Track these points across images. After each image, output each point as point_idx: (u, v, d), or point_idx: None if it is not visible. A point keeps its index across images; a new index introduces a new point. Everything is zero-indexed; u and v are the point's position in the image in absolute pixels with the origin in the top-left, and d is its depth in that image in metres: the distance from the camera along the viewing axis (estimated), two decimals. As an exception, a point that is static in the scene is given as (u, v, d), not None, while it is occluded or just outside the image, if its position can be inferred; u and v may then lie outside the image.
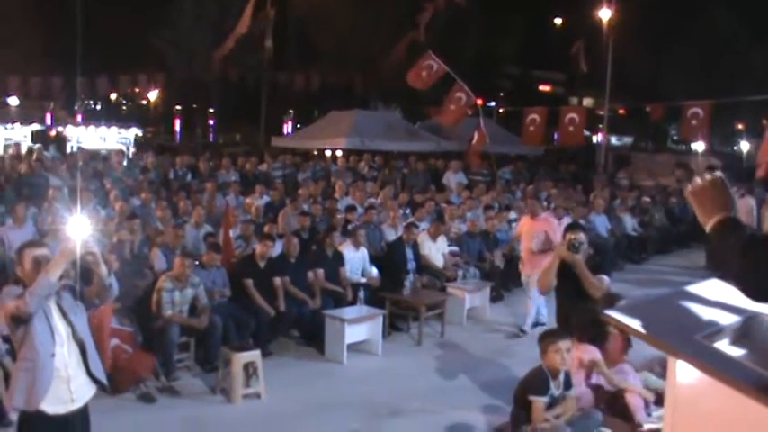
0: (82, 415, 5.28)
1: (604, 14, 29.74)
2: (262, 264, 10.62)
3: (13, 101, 34.51)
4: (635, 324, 2.40)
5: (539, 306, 11.73)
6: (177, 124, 52.21)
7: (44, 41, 34.84)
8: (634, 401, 6.87)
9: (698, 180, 2.55)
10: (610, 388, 7.04)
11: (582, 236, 7.53)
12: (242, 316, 10.07)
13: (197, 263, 10.04)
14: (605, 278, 7.48)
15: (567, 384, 6.60)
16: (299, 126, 45.97)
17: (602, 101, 33.33)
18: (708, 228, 2.50)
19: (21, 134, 31.59)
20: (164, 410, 8.34)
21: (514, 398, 6.70)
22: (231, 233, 12.05)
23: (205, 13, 39.25)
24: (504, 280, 14.32)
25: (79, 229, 4.85)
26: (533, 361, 6.78)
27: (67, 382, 5.10)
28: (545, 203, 17.25)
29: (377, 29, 36.72)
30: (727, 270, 2.49)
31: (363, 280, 11.73)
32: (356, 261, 11.86)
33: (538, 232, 11.62)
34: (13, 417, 6.50)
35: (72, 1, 23.33)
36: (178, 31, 39.37)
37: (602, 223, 16.98)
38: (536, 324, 11.52)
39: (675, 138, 53.65)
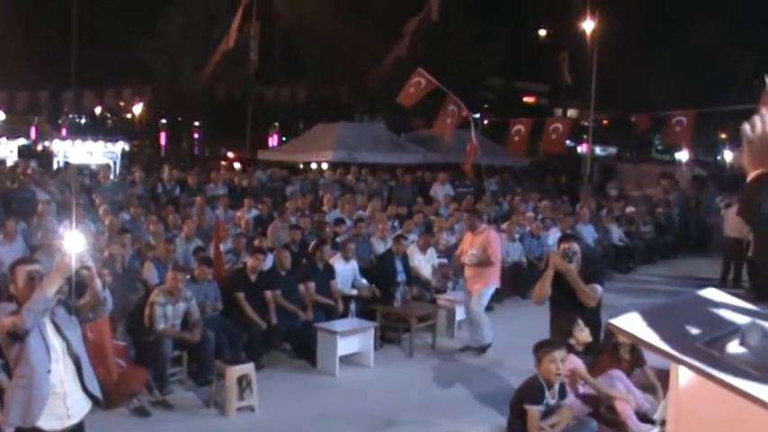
0: (78, 431, 5.28)
1: (588, 26, 29.88)
2: (253, 277, 10.61)
3: (-1, 115, 34.46)
4: (637, 331, 2.43)
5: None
6: (163, 137, 52.10)
7: (29, 55, 34.80)
8: (623, 409, 6.91)
9: (759, 126, 2.52)
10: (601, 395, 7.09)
11: (576, 246, 7.62)
12: (234, 329, 10.06)
13: (189, 277, 10.04)
14: (598, 287, 7.54)
15: (563, 393, 6.64)
16: (284, 139, 45.96)
17: (586, 111, 33.50)
18: (750, 176, 2.50)
19: (7, 149, 31.48)
20: (158, 424, 8.33)
21: (510, 407, 6.75)
22: (222, 247, 12.06)
23: (192, 26, 39.24)
24: (495, 291, 14.35)
25: (74, 243, 4.85)
26: (526, 371, 6.83)
27: (63, 399, 5.10)
28: (532, 214, 17.38)
29: (362, 41, 36.74)
30: (758, 220, 2.50)
31: (354, 292, 11.74)
32: (347, 273, 11.88)
33: (477, 247, 11.32)
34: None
35: (58, 14, 23.29)
36: (165, 42, 39.36)
37: (589, 233, 17.06)
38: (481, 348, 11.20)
39: (660, 147, 53.91)
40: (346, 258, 11.96)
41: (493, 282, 11.30)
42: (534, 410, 6.42)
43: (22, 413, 4.99)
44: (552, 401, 6.54)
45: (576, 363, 7.16)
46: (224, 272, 11.44)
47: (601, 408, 7.05)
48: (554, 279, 7.49)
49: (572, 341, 7.20)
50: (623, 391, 7.12)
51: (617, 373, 7.35)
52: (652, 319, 2.40)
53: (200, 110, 43.93)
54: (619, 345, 7.50)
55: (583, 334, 7.28)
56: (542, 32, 48.09)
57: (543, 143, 25.90)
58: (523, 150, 26.12)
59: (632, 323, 2.37)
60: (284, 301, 10.73)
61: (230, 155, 45.23)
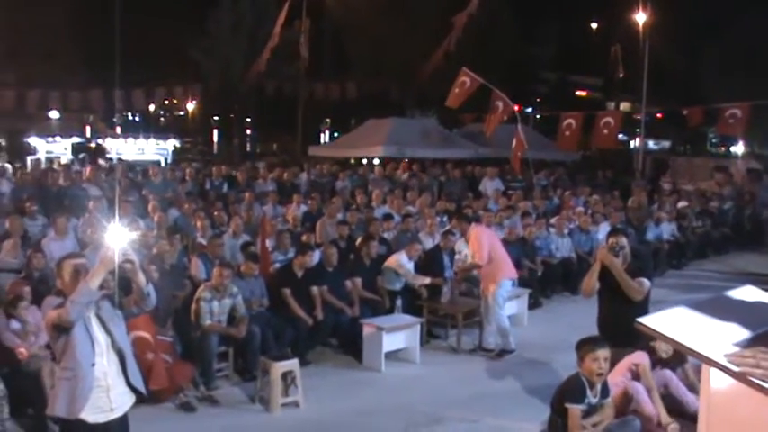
0: (121, 424, 5.32)
1: (640, 18, 29.50)
2: (300, 273, 10.62)
3: (54, 114, 34.90)
4: (669, 332, 2.38)
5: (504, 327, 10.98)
6: (215, 135, 52.55)
7: (83, 55, 35.26)
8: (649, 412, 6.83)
9: None
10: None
11: (623, 240, 7.53)
12: (280, 325, 10.10)
13: (235, 273, 10.08)
14: (646, 282, 7.44)
15: (605, 392, 6.53)
16: (335, 135, 46.06)
17: (639, 105, 33.08)
18: None
19: (61, 147, 31.99)
20: (203, 419, 8.40)
21: (551, 405, 6.65)
22: (268, 243, 12.10)
23: (242, 24, 39.52)
24: (543, 287, 14.27)
25: (118, 238, 4.88)
26: (571, 368, 6.73)
27: (107, 392, 5.14)
28: (582, 209, 17.22)
29: (412, 36, 36.68)
30: None
31: (400, 286, 11.70)
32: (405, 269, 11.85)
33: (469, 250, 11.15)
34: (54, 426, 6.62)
35: (110, 14, 23.50)
36: (215, 41, 39.67)
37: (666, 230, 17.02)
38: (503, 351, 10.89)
39: (714, 141, 53.19)
40: (410, 256, 11.90)
41: (501, 277, 10.77)
42: (575, 409, 6.32)
43: (67, 405, 5.04)
44: (594, 400, 6.43)
45: (644, 359, 7.06)
46: (271, 268, 11.47)
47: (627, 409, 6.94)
48: (601, 273, 7.41)
49: (655, 344, 7.09)
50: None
51: (668, 373, 7.25)
52: (685, 317, 2.35)
53: (251, 107, 44.20)
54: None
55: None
56: (594, 26, 47.61)
57: (594, 137, 25.70)
58: (574, 144, 25.95)
59: (664, 322, 2.32)
60: (331, 297, 10.74)
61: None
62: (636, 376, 7.06)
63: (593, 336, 6.66)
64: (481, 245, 10.66)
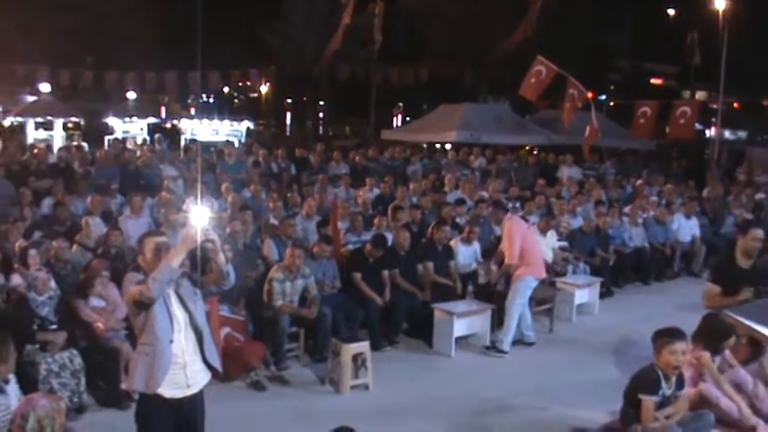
0: (197, 400, 5.40)
1: (719, 4, 28.89)
2: (372, 258, 10.67)
3: (131, 95, 35.42)
4: (754, 324, 2.35)
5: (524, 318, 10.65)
6: (288, 117, 52.89)
7: (160, 37, 35.72)
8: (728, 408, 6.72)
9: None
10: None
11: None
12: (351, 307, 10.16)
13: (308, 254, 10.14)
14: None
15: (680, 384, 6.44)
16: (408, 119, 46.04)
17: (715, 94, 32.48)
18: None
19: (137, 127, 32.49)
20: (273, 399, 8.48)
21: (624, 395, 6.57)
22: (340, 225, 12.14)
23: (316, 7, 39.67)
24: (615, 276, 14.12)
25: (199, 217, 4.93)
26: (644, 359, 6.64)
27: (184, 368, 5.22)
28: (656, 199, 16.98)
29: (486, 21, 36.50)
30: None
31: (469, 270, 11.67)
32: (468, 255, 11.82)
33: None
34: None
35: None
36: (289, 24, 39.88)
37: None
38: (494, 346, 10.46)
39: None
40: (468, 241, 11.89)
41: (524, 273, 10.23)
42: (649, 401, 6.24)
43: (145, 380, 5.13)
44: (668, 392, 6.34)
45: (705, 353, 6.95)
46: (343, 250, 11.52)
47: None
48: None
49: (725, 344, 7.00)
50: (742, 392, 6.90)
51: (741, 372, 7.13)
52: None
53: (324, 90, 44.38)
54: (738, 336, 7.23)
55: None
56: (671, 12, 46.83)
57: (671, 127, 25.28)
58: (648, 133, 25.55)
59: (748, 313, 2.29)
60: (402, 280, 10.75)
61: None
62: (698, 370, 6.95)
63: (672, 327, 6.49)
64: (513, 241, 10.12)
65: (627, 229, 14.80)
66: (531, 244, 10.47)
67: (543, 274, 10.56)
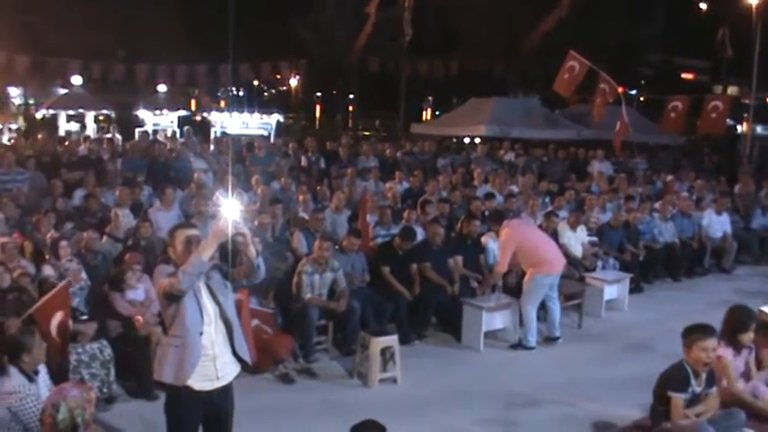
0: (226, 392, 5.44)
1: (752, -2, 28.58)
2: (400, 251, 10.66)
3: (162, 88, 35.60)
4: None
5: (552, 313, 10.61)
6: (318, 110, 52.96)
7: (190, 29, 35.88)
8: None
9: None
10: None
11: None
12: (380, 301, 10.16)
13: (336, 247, 10.15)
14: None
15: (710, 382, 6.38)
16: (437, 113, 45.95)
17: (747, 89, 32.15)
18: None
19: (168, 120, 32.69)
20: (302, 392, 8.52)
21: (654, 393, 6.52)
22: (369, 218, 12.15)
23: (346, 0, 39.66)
24: (645, 272, 14.04)
25: (231, 210, 4.94)
26: (674, 356, 6.58)
27: (214, 360, 5.26)
28: (686, 194, 16.86)
29: (516, 15, 36.36)
30: None
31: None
32: (496, 251, 11.78)
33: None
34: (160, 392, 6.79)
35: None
36: (321, 16, 39.89)
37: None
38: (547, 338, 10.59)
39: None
40: (497, 236, 11.85)
41: (532, 273, 10.16)
42: (678, 398, 6.18)
43: (175, 371, 5.18)
44: (698, 389, 6.28)
45: (725, 352, 6.88)
46: (371, 243, 11.52)
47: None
48: None
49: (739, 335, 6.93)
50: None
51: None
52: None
53: (353, 83, 44.37)
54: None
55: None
56: (703, 6, 46.38)
57: (702, 122, 25.08)
58: (679, 128, 25.38)
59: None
60: (434, 274, 10.72)
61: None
62: (718, 367, 6.87)
63: (703, 324, 6.42)
64: (504, 249, 10.13)
65: (657, 225, 14.69)
66: (536, 243, 10.38)
67: (555, 269, 10.34)
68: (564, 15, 30.36)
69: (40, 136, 21.58)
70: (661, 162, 24.07)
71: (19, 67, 29.54)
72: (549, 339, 10.53)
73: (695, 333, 6.29)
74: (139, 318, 8.26)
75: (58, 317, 7.68)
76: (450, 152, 23.04)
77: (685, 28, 45.04)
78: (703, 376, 6.30)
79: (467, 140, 28.92)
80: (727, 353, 6.87)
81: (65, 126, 29.32)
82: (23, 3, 31.24)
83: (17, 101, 40.09)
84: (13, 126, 31.11)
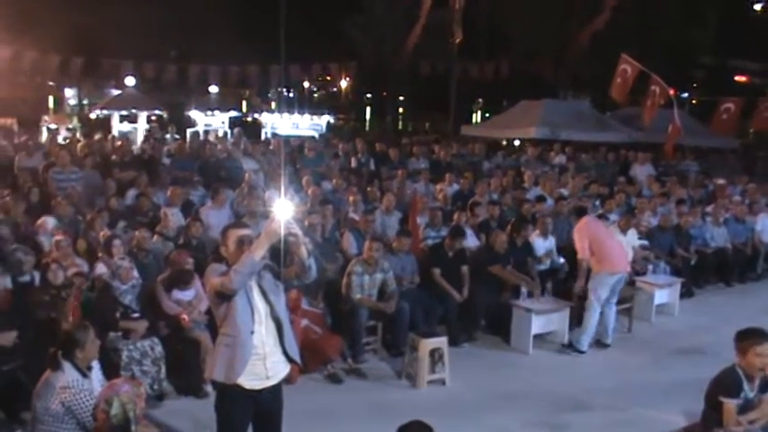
0: (275, 391, 5.48)
1: (808, -1, 28.18)
2: (450, 253, 10.64)
3: (213, 89, 35.89)
4: None
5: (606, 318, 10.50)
6: (368, 112, 53.05)
7: (241, 31, 36.15)
8: None
9: None
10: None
11: None
12: (430, 303, 10.17)
13: (386, 248, 10.17)
14: None
15: (764, 387, 6.26)
16: (487, 115, 45.83)
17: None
18: None
19: (219, 120, 32.96)
20: (350, 392, 8.57)
21: (705, 398, 6.41)
22: (419, 220, 12.16)
23: (397, 2, 39.66)
24: (696, 277, 13.89)
25: (283, 210, 4.97)
26: (726, 361, 6.49)
27: (264, 360, 5.30)
28: (739, 198, 16.67)
29: (567, 17, 36.14)
30: None
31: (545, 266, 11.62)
32: (543, 250, 11.74)
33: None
34: (210, 389, 6.87)
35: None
36: (371, 18, 39.95)
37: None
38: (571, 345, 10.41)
39: None
40: (543, 235, 11.82)
41: (598, 270, 10.15)
42: (731, 404, 6.08)
43: (226, 370, 5.22)
44: (752, 395, 6.18)
45: None
46: (421, 244, 11.53)
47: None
48: None
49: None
50: None
51: None
52: None
53: (404, 85, 44.38)
54: None
55: None
56: (758, 7, 45.79)
57: (755, 123, 24.79)
58: (731, 130, 25.11)
59: None
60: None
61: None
62: None
63: (758, 328, 6.28)
64: (580, 239, 10.20)
65: (709, 229, 14.57)
66: (603, 239, 10.34)
67: (618, 269, 10.26)
68: (608, 18, 30.12)
69: (97, 136, 21.85)
70: (713, 165, 23.80)
71: (73, 69, 29.98)
72: (599, 344, 10.46)
73: (750, 338, 6.15)
74: (185, 317, 8.34)
75: None
76: (500, 154, 22.95)
77: (739, 30, 44.52)
78: (756, 382, 6.19)
79: (517, 143, 28.81)
80: None
81: (118, 126, 29.63)
82: (78, 5, 31.66)
83: (71, 101, 40.68)
84: (69, 126, 31.51)
